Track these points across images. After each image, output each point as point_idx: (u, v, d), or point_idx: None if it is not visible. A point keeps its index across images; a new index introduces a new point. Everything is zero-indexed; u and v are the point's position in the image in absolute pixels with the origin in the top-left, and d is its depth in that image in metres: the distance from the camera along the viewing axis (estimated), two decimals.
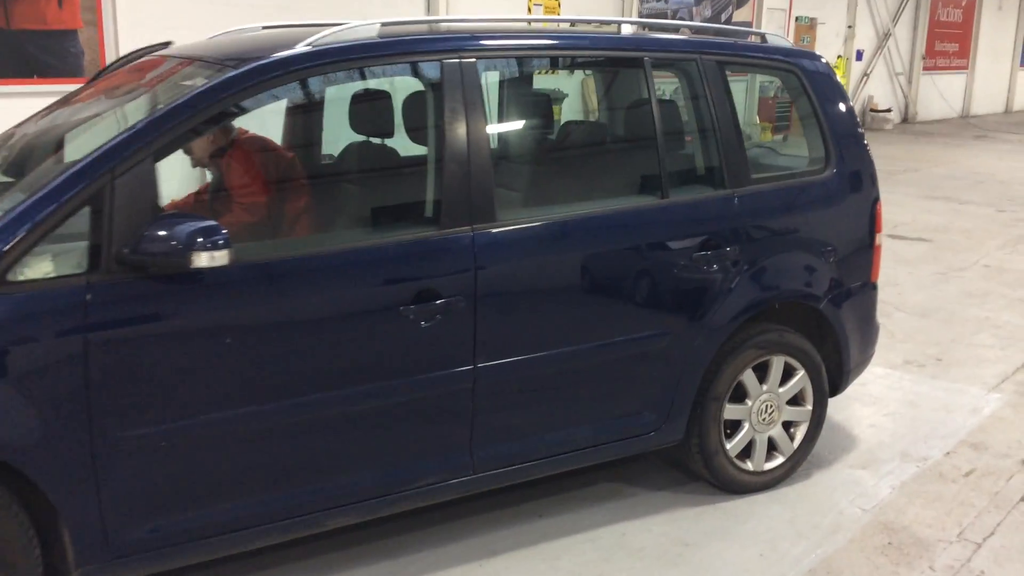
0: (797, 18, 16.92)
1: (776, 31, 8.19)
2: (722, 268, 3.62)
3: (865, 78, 18.90)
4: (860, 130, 4.10)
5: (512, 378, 3.24)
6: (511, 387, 3.26)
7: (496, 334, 3.16)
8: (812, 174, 3.94)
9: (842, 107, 4.04)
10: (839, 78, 4.30)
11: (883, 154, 14.24)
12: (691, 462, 3.87)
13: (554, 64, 4.45)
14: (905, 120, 20.55)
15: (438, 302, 3.02)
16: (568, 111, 6.24)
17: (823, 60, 4.12)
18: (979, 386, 5.26)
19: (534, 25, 8.76)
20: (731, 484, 3.92)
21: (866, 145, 4.09)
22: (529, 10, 12.06)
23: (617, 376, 3.51)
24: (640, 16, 13.13)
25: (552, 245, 3.30)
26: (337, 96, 3.62)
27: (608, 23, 7.85)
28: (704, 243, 3.58)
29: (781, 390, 3.93)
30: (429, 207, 3.19)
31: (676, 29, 6.25)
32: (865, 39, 18.69)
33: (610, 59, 4.01)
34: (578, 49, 3.88)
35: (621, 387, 3.53)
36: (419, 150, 3.36)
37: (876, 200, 4.10)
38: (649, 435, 3.65)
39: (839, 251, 3.96)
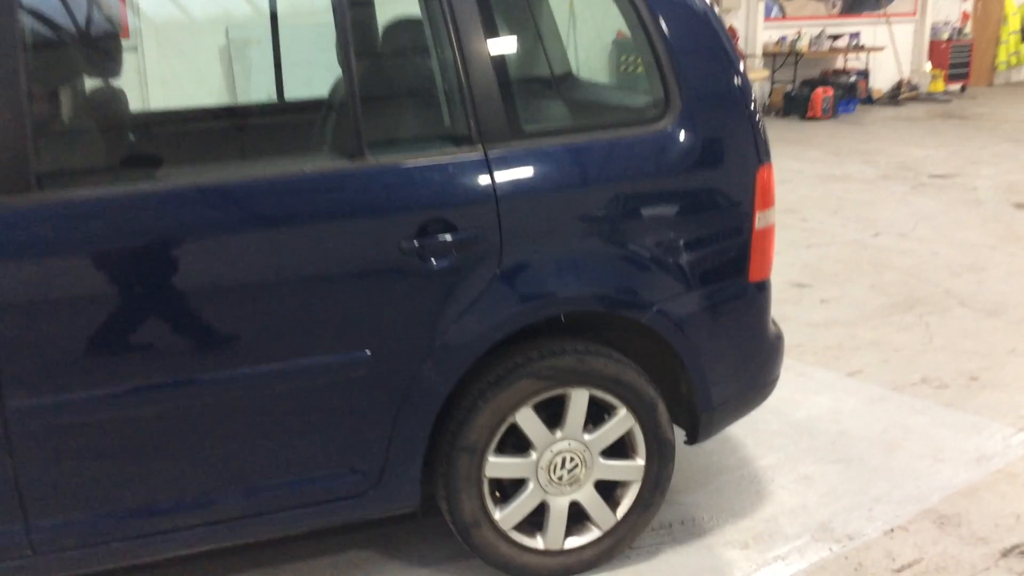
0: None
1: None
2: (458, 263, 2.45)
3: None
4: (734, 65, 2.76)
5: (84, 417, 2.26)
6: (84, 431, 2.27)
7: (27, 361, 2.17)
8: (635, 125, 2.67)
9: (698, 26, 2.73)
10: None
11: None
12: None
13: None
14: None
15: None
16: None
17: None
18: (1009, 422, 3.76)
19: None
20: (511, 568, 2.76)
21: (743, 87, 2.75)
22: None
23: (290, 418, 2.43)
24: None
25: (175, 222, 2.27)
26: None
27: None
28: (425, 227, 2.42)
29: (589, 437, 2.72)
30: None
31: None
32: None
33: None
34: None
35: (297, 433, 2.45)
36: None
37: (760, 165, 2.77)
38: (357, 499, 2.56)
39: (685, 237, 2.68)
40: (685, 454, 3.50)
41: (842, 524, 3.07)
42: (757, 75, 12.20)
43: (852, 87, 13.03)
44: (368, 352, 2.44)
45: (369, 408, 2.48)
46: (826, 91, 12.43)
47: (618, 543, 2.83)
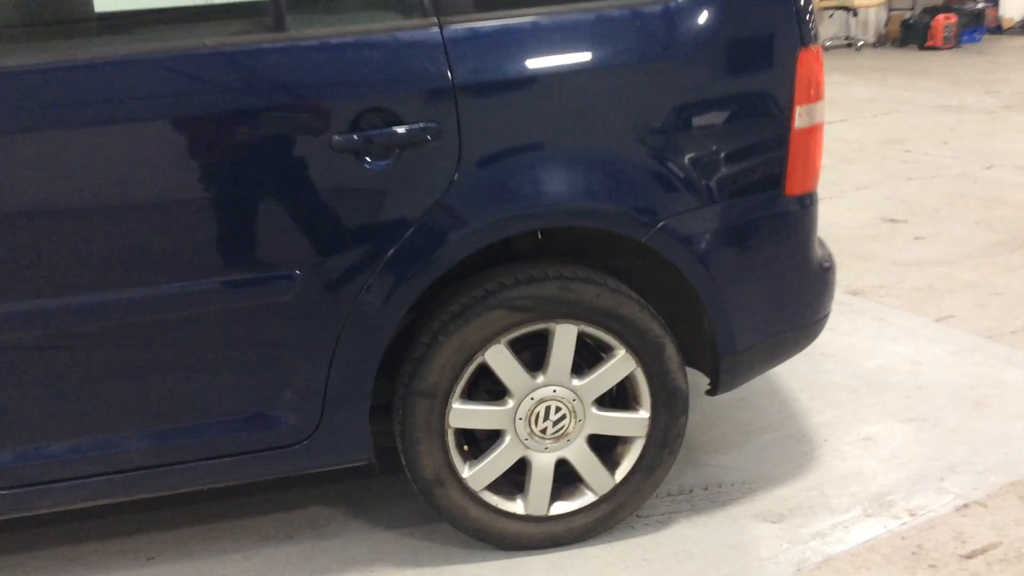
0: None
1: None
2: (406, 165, 1.99)
3: None
4: None
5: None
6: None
7: None
8: None
9: None
10: None
11: None
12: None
13: None
14: None
15: None
16: None
17: None
18: None
19: None
20: (485, 535, 2.31)
21: None
22: None
23: (201, 351, 2.02)
24: None
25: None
26: None
27: None
28: (362, 118, 1.96)
29: (579, 382, 2.23)
30: None
31: None
32: None
33: None
34: None
35: (210, 369, 2.04)
36: None
37: (802, 48, 2.20)
38: (290, 449, 2.14)
39: (700, 138, 2.15)
40: (723, 408, 2.98)
41: (904, 496, 2.51)
42: (871, 1, 11.22)
43: (978, 15, 11.87)
44: (296, 273, 2.00)
45: (299, 341, 2.05)
46: (948, 18, 11.34)
47: (617, 510, 2.35)
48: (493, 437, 2.28)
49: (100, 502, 2.09)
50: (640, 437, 2.31)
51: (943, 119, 7.33)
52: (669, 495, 2.55)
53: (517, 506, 2.30)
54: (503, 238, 2.09)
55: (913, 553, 2.29)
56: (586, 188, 2.08)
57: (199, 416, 2.07)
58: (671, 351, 2.25)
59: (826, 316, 2.49)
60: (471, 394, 2.26)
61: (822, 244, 2.54)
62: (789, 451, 2.75)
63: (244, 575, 2.29)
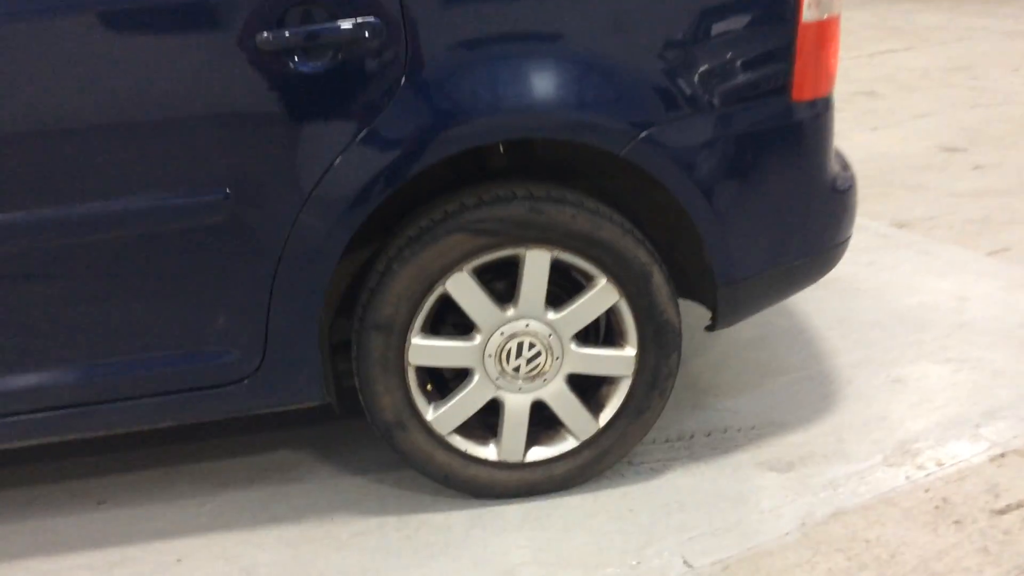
0: None
1: None
2: (344, 67, 1.76)
3: None
4: None
5: None
6: None
7: None
8: None
9: None
10: None
11: None
12: None
13: None
14: None
15: None
16: None
17: None
18: None
19: None
20: (455, 482, 2.11)
21: None
22: None
23: (126, 278, 1.84)
24: None
25: None
26: None
27: None
28: (290, 13, 1.73)
29: (555, 316, 2.00)
30: None
31: None
32: None
33: None
34: None
35: (137, 298, 1.86)
36: None
37: None
38: (231, 387, 1.96)
39: (688, 33, 1.87)
40: (738, 347, 2.72)
41: (932, 444, 2.24)
42: None
43: None
44: (227, 191, 1.79)
45: (234, 269, 1.85)
46: None
47: (601, 457, 2.12)
48: (462, 377, 2.06)
49: (27, 442, 1.93)
50: (626, 377, 2.07)
51: (1017, 45, 6.81)
52: (667, 441, 2.31)
53: (490, 452, 2.09)
54: (463, 152, 1.85)
55: (937, 507, 2.03)
56: (549, 94, 1.82)
57: (130, 351, 1.89)
58: (659, 280, 1.99)
59: (844, 242, 2.21)
60: (437, 329, 2.04)
61: (842, 161, 2.25)
62: (807, 394, 2.48)
63: (196, 520, 2.13)
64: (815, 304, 2.96)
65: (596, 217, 1.94)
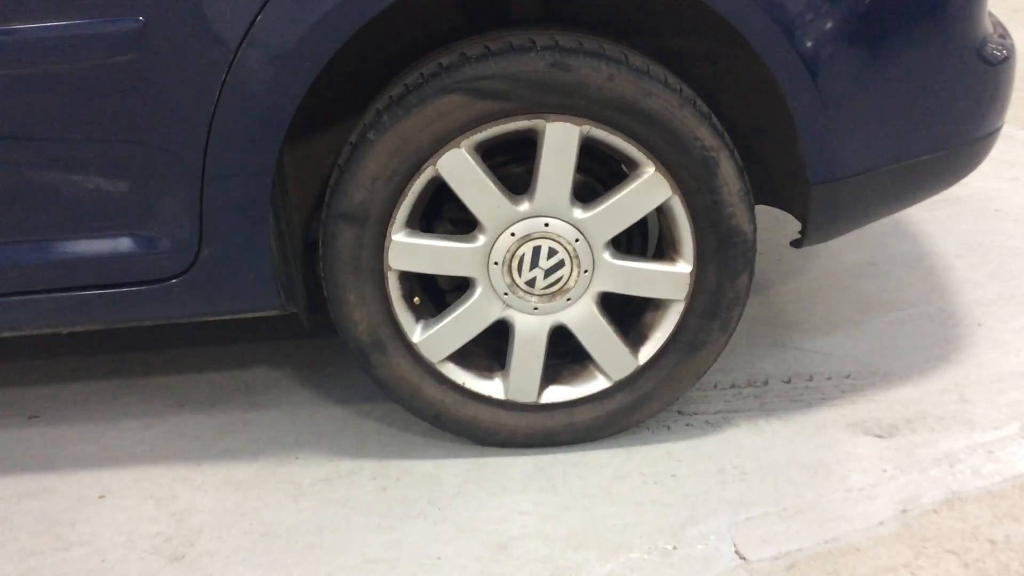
0: None
1: None
2: None
3: None
4: None
5: None
6: None
7: None
8: None
9: None
10: None
11: None
12: None
13: None
14: None
15: None
16: None
17: None
18: None
19: None
20: (447, 423, 1.65)
21: None
22: None
23: (32, 128, 1.41)
24: None
25: None
26: None
27: None
28: None
29: (582, 214, 1.49)
30: None
31: None
32: None
33: None
34: None
35: (29, 165, 1.42)
36: None
37: None
38: (167, 285, 1.52)
39: None
40: (838, 274, 2.17)
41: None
42: None
43: None
44: (140, 20, 1.33)
45: (153, 127, 1.39)
46: None
47: (641, 403, 1.63)
48: (462, 289, 1.58)
49: None
50: (678, 301, 1.56)
51: None
52: (733, 387, 1.81)
53: (495, 387, 1.62)
54: None
55: None
56: None
57: (29, 231, 1.46)
58: (729, 172, 1.46)
59: (990, 135, 1.63)
60: (431, 226, 1.56)
61: (998, 25, 1.66)
62: (923, 337, 1.93)
63: (134, 448, 1.73)
64: (941, 224, 2.37)
65: (644, 79, 1.41)
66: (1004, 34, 1.66)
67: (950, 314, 2.00)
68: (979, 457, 1.58)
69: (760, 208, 1.64)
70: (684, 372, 1.61)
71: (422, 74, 1.42)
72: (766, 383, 1.81)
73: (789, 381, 1.82)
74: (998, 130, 1.65)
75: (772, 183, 1.67)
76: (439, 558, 1.44)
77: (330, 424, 1.77)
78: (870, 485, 1.54)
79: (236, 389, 1.88)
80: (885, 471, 1.57)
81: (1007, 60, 1.59)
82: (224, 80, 1.36)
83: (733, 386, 1.81)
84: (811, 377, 1.82)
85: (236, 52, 1.35)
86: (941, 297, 2.07)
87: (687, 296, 1.55)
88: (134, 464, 1.69)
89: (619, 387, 1.61)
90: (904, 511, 1.48)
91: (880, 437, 1.65)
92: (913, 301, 2.06)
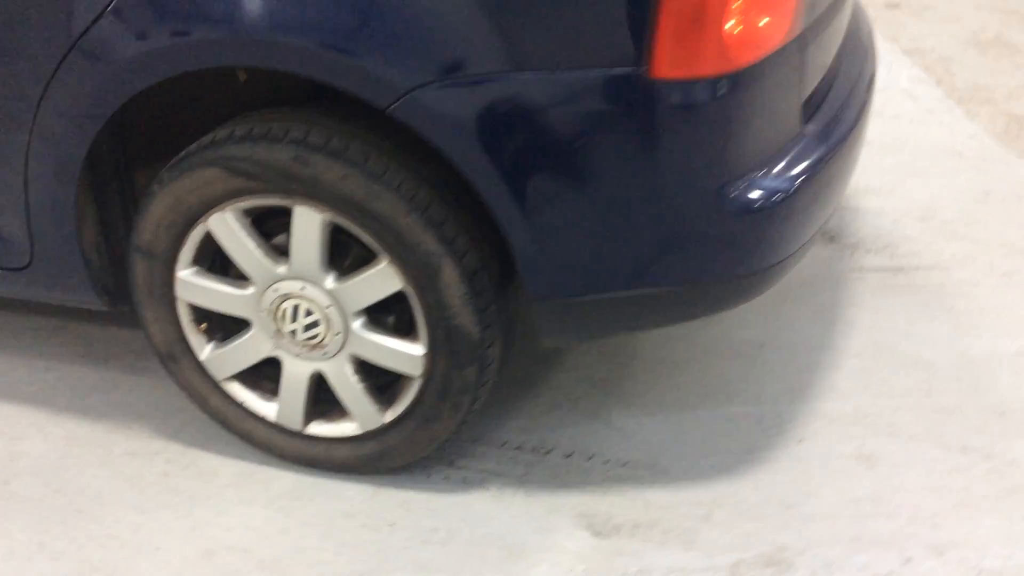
0: None
1: None
2: None
3: None
4: None
5: None
6: None
7: None
8: None
9: None
10: None
11: None
12: None
13: None
14: None
15: None
16: None
17: None
18: None
19: None
20: (233, 428, 1.92)
21: None
22: None
23: None
24: None
25: None
26: None
27: None
28: None
29: (333, 285, 1.68)
30: None
31: None
32: None
33: None
34: None
35: None
36: None
37: None
38: (21, 272, 1.86)
39: None
40: (714, 351, 2.17)
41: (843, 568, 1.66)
42: None
43: None
44: None
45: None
46: None
47: (386, 454, 1.81)
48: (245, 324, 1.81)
49: None
50: (415, 377, 1.70)
51: None
52: (518, 448, 1.93)
53: (270, 410, 1.85)
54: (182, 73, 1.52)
55: None
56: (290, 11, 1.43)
57: None
58: (451, 278, 1.58)
59: (764, 271, 1.61)
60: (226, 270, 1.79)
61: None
62: (731, 441, 1.95)
63: (28, 388, 2.08)
64: (874, 315, 2.28)
65: (373, 183, 1.54)
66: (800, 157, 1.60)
67: (783, 422, 1.99)
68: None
69: None
70: (422, 437, 1.76)
71: (200, 143, 1.63)
72: (548, 452, 1.92)
73: (570, 456, 1.91)
74: (774, 265, 1.63)
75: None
76: (158, 549, 1.72)
77: (167, 402, 2.00)
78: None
79: (133, 351, 2.19)
80: (573, 570, 1.67)
81: (777, 203, 1.56)
82: (41, 94, 1.61)
83: (518, 448, 1.93)
84: (591, 456, 1.90)
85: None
86: (792, 401, 2.04)
87: (422, 375, 1.69)
88: (18, 403, 2.05)
89: (369, 436, 1.80)
90: None
91: (598, 535, 1.73)
92: (761, 399, 2.05)
